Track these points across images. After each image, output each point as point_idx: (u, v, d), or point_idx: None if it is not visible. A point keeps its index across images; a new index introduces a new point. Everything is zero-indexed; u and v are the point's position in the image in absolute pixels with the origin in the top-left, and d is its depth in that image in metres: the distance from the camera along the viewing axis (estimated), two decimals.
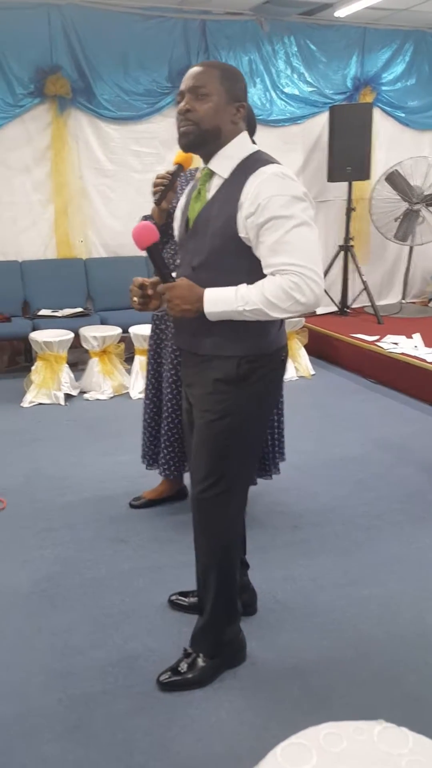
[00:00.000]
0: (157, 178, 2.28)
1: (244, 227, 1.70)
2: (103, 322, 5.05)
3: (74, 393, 4.66)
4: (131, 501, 3.10)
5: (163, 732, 1.86)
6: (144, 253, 1.80)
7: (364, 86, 6.16)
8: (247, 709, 1.94)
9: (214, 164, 1.79)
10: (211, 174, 1.81)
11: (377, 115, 6.15)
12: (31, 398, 4.51)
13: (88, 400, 4.63)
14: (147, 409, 2.98)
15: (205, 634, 2.05)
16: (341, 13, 5.52)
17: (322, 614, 2.34)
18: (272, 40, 5.72)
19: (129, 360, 4.91)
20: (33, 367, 4.63)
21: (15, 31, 4.87)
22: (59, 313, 5.12)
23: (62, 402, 4.52)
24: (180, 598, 2.38)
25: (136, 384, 4.60)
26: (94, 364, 4.70)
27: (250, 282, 1.71)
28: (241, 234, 1.72)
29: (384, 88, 6.23)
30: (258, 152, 1.79)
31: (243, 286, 1.70)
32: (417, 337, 5.31)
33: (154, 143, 5.43)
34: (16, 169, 5.16)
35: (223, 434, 1.85)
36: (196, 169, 1.97)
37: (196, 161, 1.93)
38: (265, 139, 5.78)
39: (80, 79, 5.15)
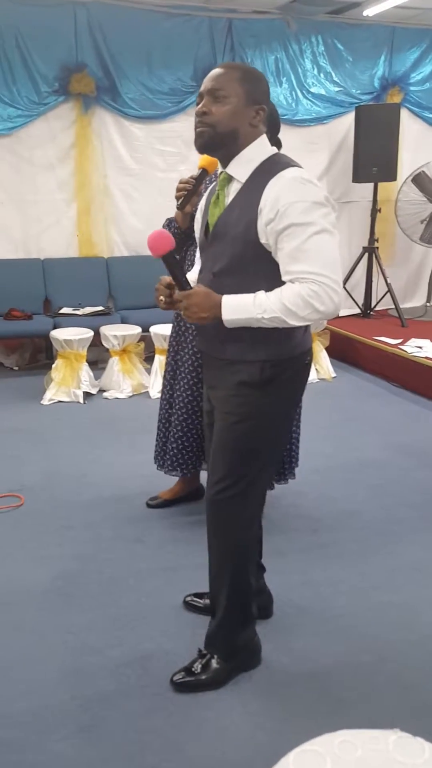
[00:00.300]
0: (181, 182, 2.27)
1: (264, 233, 1.69)
2: (123, 321, 5.06)
3: (93, 391, 4.68)
4: (148, 501, 3.10)
5: (175, 733, 1.85)
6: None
7: (392, 86, 6.10)
8: (261, 713, 1.92)
9: (232, 168, 1.77)
10: (229, 178, 1.79)
11: (405, 115, 6.08)
12: (50, 396, 4.53)
13: (107, 398, 4.64)
14: (162, 410, 2.97)
15: (218, 636, 2.03)
16: (370, 12, 5.47)
17: (339, 619, 2.32)
18: (299, 39, 5.69)
19: (149, 359, 4.91)
20: (53, 365, 4.65)
21: (40, 29, 4.89)
22: (80, 312, 5.15)
23: (81, 400, 4.53)
24: (195, 599, 2.37)
25: (156, 383, 4.60)
26: (114, 363, 4.71)
27: (271, 286, 1.69)
28: (262, 240, 1.70)
29: (412, 88, 6.17)
30: (277, 155, 1.77)
31: (261, 294, 1.68)
32: None
33: (178, 142, 5.43)
34: (40, 168, 5.19)
35: (243, 437, 1.84)
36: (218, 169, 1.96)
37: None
38: (290, 139, 5.75)
39: (105, 77, 5.16)
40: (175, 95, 5.34)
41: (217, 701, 1.96)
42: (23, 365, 5.39)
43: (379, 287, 6.09)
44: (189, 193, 2.04)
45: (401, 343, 5.17)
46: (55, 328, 4.81)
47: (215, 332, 1.80)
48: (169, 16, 5.23)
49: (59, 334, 4.56)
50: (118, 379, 4.68)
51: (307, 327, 1.87)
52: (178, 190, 2.26)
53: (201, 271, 1.91)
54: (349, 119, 5.96)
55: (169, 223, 2.68)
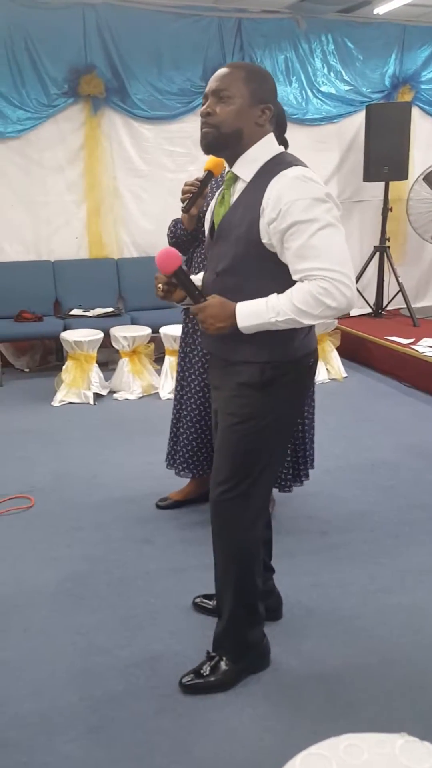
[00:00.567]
0: (186, 185, 2.26)
1: (267, 233, 1.68)
2: (133, 322, 5.07)
3: (104, 393, 4.68)
4: (158, 502, 3.10)
5: (184, 735, 1.85)
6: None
7: (403, 85, 6.07)
8: (270, 716, 1.91)
9: (237, 168, 1.77)
10: (235, 178, 1.79)
11: (416, 113, 6.05)
12: (61, 397, 4.54)
13: (117, 400, 4.65)
14: (174, 410, 2.97)
15: (225, 637, 2.03)
16: (380, 10, 5.44)
17: (348, 621, 2.30)
18: (309, 38, 5.67)
19: (159, 360, 4.91)
20: (63, 367, 4.67)
21: (49, 31, 4.91)
22: (90, 313, 5.16)
23: (92, 401, 4.54)
24: (204, 600, 2.36)
25: (166, 384, 4.60)
26: (124, 364, 4.71)
27: (276, 287, 1.69)
28: (264, 240, 1.69)
29: (423, 86, 6.13)
30: (282, 154, 1.76)
31: (273, 297, 1.68)
32: None
33: (188, 143, 5.42)
34: (49, 169, 5.21)
35: (245, 438, 1.83)
36: (225, 170, 1.95)
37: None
38: (301, 139, 5.75)
39: (114, 78, 5.17)
40: (185, 96, 5.34)
41: (226, 703, 1.95)
42: (34, 367, 5.41)
43: (390, 286, 6.06)
44: (194, 195, 2.03)
45: (413, 343, 5.14)
46: (65, 329, 4.83)
47: (220, 334, 1.79)
48: (178, 16, 5.23)
49: (69, 336, 4.57)
50: (128, 381, 4.69)
51: (311, 328, 1.86)
52: (184, 192, 2.26)
53: (205, 271, 1.91)
54: (359, 118, 5.93)
55: (175, 225, 2.68)
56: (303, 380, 1.87)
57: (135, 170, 5.43)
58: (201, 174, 2.12)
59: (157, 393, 4.68)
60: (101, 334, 4.64)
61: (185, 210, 2.14)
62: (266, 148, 1.76)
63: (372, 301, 6.16)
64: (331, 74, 5.85)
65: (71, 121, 5.18)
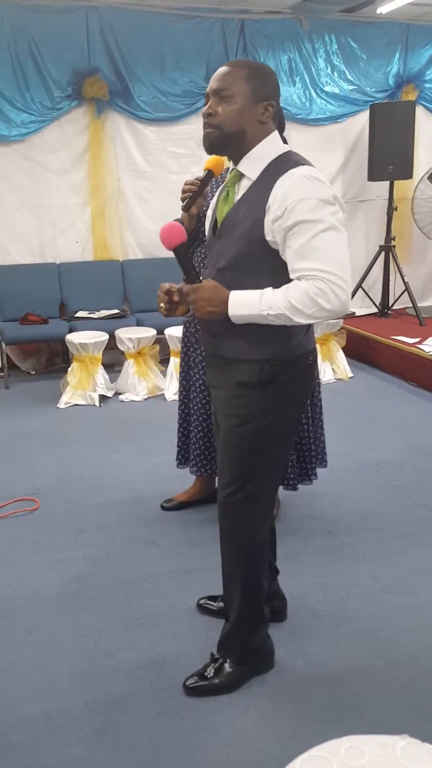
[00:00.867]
0: (186, 184, 2.26)
1: (271, 231, 1.68)
2: (138, 324, 5.08)
3: (109, 394, 4.69)
4: (162, 503, 3.10)
5: (188, 737, 1.84)
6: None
7: (407, 84, 6.05)
8: (274, 718, 1.91)
9: (242, 166, 1.77)
10: (240, 175, 1.78)
11: (420, 112, 6.02)
12: (66, 399, 4.55)
13: (122, 401, 4.65)
14: (179, 410, 2.98)
15: (231, 639, 2.02)
16: (383, 9, 5.43)
17: (353, 622, 2.30)
18: (312, 38, 5.67)
19: (164, 362, 4.91)
20: (69, 369, 4.68)
21: (53, 35, 4.92)
22: (95, 315, 5.16)
23: (97, 403, 4.55)
24: (209, 602, 2.36)
25: (171, 385, 4.61)
26: (130, 366, 4.72)
27: (273, 284, 1.68)
28: (268, 237, 1.69)
29: (427, 85, 6.12)
30: (288, 153, 1.76)
31: (268, 290, 1.67)
32: None
33: (191, 144, 5.43)
34: (53, 172, 5.22)
35: (246, 439, 1.83)
36: (227, 170, 1.95)
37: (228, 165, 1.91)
38: (305, 139, 5.76)
39: (118, 81, 5.18)
40: (188, 97, 5.34)
41: (230, 705, 1.95)
42: (40, 369, 5.43)
43: (396, 286, 6.04)
44: (194, 194, 2.03)
45: (419, 342, 5.12)
46: (70, 331, 4.84)
47: (216, 330, 1.80)
48: (180, 18, 5.24)
49: (75, 338, 4.58)
50: (133, 382, 4.69)
51: (309, 327, 1.85)
52: (184, 192, 2.26)
53: (206, 267, 1.90)
54: (363, 118, 5.92)
55: None
56: (302, 379, 1.86)
57: (139, 172, 5.44)
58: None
59: (163, 394, 4.68)
60: (106, 336, 4.65)
61: (185, 209, 2.14)
62: (272, 146, 1.76)
63: (378, 300, 6.14)
64: (335, 74, 5.84)
65: (75, 123, 5.20)
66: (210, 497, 3.09)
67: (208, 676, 2.00)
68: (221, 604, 2.27)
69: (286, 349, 1.78)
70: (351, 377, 5.08)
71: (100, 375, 4.64)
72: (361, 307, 6.16)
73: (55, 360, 5.50)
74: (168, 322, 4.79)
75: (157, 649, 2.19)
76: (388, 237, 5.96)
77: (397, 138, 5.64)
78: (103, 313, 5.21)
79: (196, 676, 2.01)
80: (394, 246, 5.96)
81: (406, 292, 5.90)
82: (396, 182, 5.90)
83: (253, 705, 1.95)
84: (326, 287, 1.61)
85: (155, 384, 4.75)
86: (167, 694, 1.99)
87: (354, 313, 6.04)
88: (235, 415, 1.83)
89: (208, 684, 1.99)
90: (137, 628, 2.29)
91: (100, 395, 4.59)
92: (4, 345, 5.00)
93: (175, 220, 2.69)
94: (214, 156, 1.87)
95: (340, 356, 5.11)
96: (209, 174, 1.94)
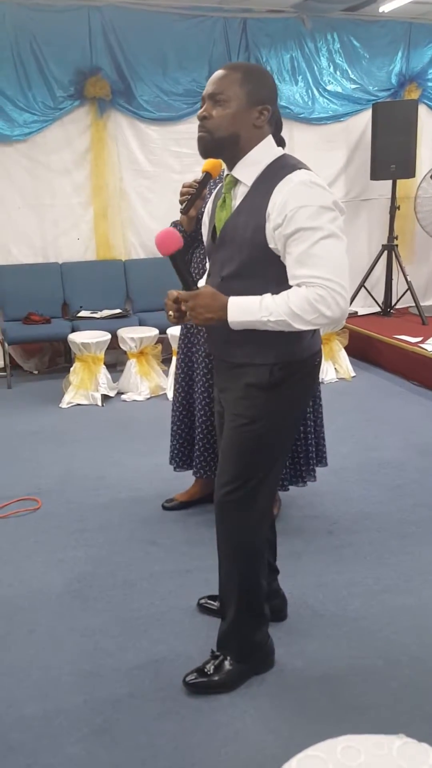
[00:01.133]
0: (184, 186, 2.26)
1: (273, 238, 1.67)
2: (141, 324, 5.08)
3: (111, 394, 4.70)
4: (163, 503, 3.10)
5: (188, 737, 1.84)
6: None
7: (410, 82, 6.04)
8: (274, 717, 1.90)
9: (237, 171, 1.76)
10: (235, 181, 1.78)
11: (423, 111, 6.01)
12: (69, 399, 4.56)
13: (125, 401, 4.66)
14: (176, 411, 2.97)
15: (230, 637, 2.02)
16: (386, 8, 5.42)
17: (354, 622, 2.29)
18: (315, 37, 5.66)
19: (166, 361, 4.92)
20: (71, 368, 4.68)
21: (55, 34, 4.93)
22: (98, 315, 5.17)
23: (99, 403, 4.55)
24: (209, 602, 2.36)
25: (173, 385, 4.60)
26: (132, 365, 4.72)
27: (279, 290, 1.68)
28: (271, 245, 1.69)
29: (430, 84, 6.11)
30: (283, 157, 1.75)
31: (267, 296, 1.67)
32: None
33: (193, 144, 5.33)
34: (56, 172, 5.23)
35: (252, 439, 1.83)
36: (223, 172, 1.95)
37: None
38: (307, 138, 5.76)
39: (120, 80, 5.18)
40: (190, 96, 5.34)
41: (230, 705, 1.95)
42: (42, 369, 5.44)
43: (399, 285, 6.03)
44: (192, 196, 2.03)
45: (422, 342, 5.11)
46: (73, 331, 4.85)
47: (224, 335, 1.79)
48: (182, 17, 5.24)
49: (77, 338, 4.58)
50: (135, 382, 4.70)
51: (315, 329, 1.85)
52: (182, 194, 2.26)
53: (209, 275, 1.90)
54: (366, 116, 5.91)
55: (174, 227, 2.68)
56: (309, 380, 1.87)
57: (141, 171, 5.44)
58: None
59: (165, 394, 4.68)
60: (108, 336, 4.65)
61: (184, 212, 2.14)
62: (266, 150, 1.75)
63: (380, 299, 6.13)
64: (338, 73, 5.83)
65: (77, 123, 5.20)
66: (210, 497, 3.07)
67: (208, 673, 2.00)
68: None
69: (296, 350, 1.79)
70: (353, 377, 5.08)
71: (103, 375, 4.64)
72: (364, 306, 6.15)
73: (57, 360, 5.51)
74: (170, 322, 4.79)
75: (156, 648, 2.19)
76: (391, 236, 5.95)
77: (399, 137, 5.63)
78: (106, 312, 5.22)
79: (195, 673, 2.01)
80: (396, 245, 5.95)
81: (408, 292, 5.89)
82: (399, 181, 5.89)
83: (252, 705, 1.95)
84: (326, 294, 1.62)
85: (157, 384, 4.75)
86: (167, 694, 1.99)
87: (356, 312, 6.03)
88: (243, 416, 1.83)
89: (207, 680, 1.99)
90: (137, 628, 2.29)
91: (102, 395, 4.59)
92: (6, 345, 5.01)
93: (173, 222, 2.70)
94: (210, 158, 1.86)
95: (343, 355, 5.11)
96: (207, 176, 1.93)
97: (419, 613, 2.33)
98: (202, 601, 2.38)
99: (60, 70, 5.02)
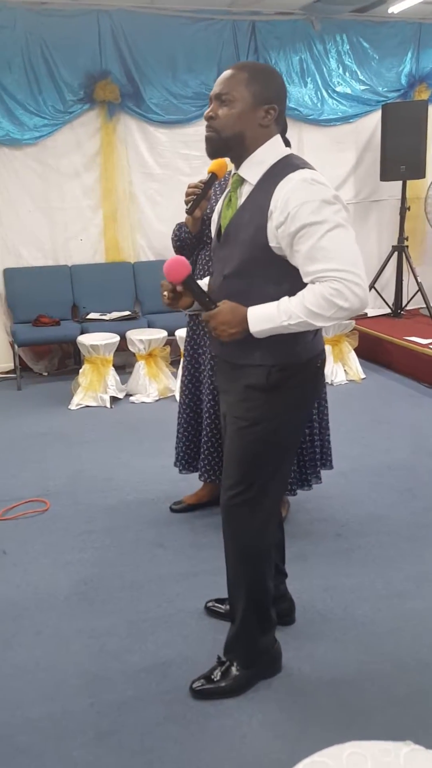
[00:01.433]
0: (190, 187, 2.26)
1: (275, 237, 1.66)
2: (150, 325, 5.08)
3: (120, 396, 4.70)
4: (171, 505, 3.10)
5: (194, 741, 1.83)
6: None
7: (419, 83, 6.01)
8: (281, 722, 1.89)
9: (243, 170, 1.76)
10: (241, 180, 1.77)
11: None
12: (78, 401, 4.56)
13: (133, 402, 4.66)
14: (183, 413, 2.97)
15: (237, 642, 2.01)
16: (395, 9, 5.40)
17: (362, 626, 2.27)
18: (324, 38, 5.65)
19: (175, 363, 4.91)
20: (80, 370, 4.69)
21: (65, 38, 4.95)
22: (107, 317, 5.18)
23: (108, 405, 4.56)
24: (216, 605, 2.35)
25: (180, 387, 4.60)
26: (141, 367, 4.72)
27: (282, 291, 1.68)
28: (272, 243, 1.68)
29: None
30: (289, 156, 1.74)
31: (284, 300, 1.66)
32: None
33: (202, 146, 5.33)
34: (66, 175, 5.24)
35: (254, 442, 1.82)
36: (230, 173, 1.94)
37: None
38: (317, 139, 5.75)
39: (129, 83, 5.19)
40: (199, 99, 5.34)
41: (237, 709, 1.94)
42: (52, 370, 5.45)
43: (409, 286, 6.00)
44: (198, 197, 2.03)
45: None
46: (82, 333, 4.86)
47: None
48: (192, 20, 5.24)
49: (86, 340, 4.59)
50: (144, 383, 4.70)
51: (317, 331, 1.84)
52: (187, 195, 2.26)
53: (212, 274, 1.90)
54: (375, 117, 5.89)
55: (180, 228, 2.68)
56: (311, 383, 1.85)
57: (150, 174, 5.45)
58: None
59: (174, 396, 4.68)
60: (117, 338, 4.66)
61: (189, 212, 2.14)
62: (272, 150, 1.75)
63: (391, 301, 6.10)
64: (347, 74, 5.81)
65: (87, 126, 5.21)
66: (218, 500, 3.08)
67: (215, 680, 1.99)
68: (228, 606, 2.26)
69: (295, 352, 1.77)
70: (363, 378, 5.05)
71: (111, 376, 4.65)
72: (374, 307, 6.12)
73: (66, 361, 5.53)
74: (179, 323, 4.79)
75: (163, 651, 2.18)
76: (401, 237, 5.92)
77: (409, 138, 5.61)
78: (115, 314, 5.22)
79: (202, 679, 2.00)
80: (407, 246, 5.92)
81: (419, 293, 5.86)
82: (408, 182, 5.86)
83: (259, 709, 1.94)
84: (341, 286, 1.60)
85: (166, 385, 4.75)
86: (173, 698, 1.99)
87: (366, 313, 6.00)
88: (244, 418, 1.82)
89: (214, 687, 1.98)
90: (144, 631, 2.28)
91: (111, 397, 4.60)
92: (16, 347, 5.03)
93: (178, 224, 2.69)
94: (217, 159, 1.86)
95: (353, 357, 5.08)
96: (212, 177, 1.93)
97: (429, 617, 2.31)
98: (210, 604, 2.37)
99: (70, 74, 5.04)
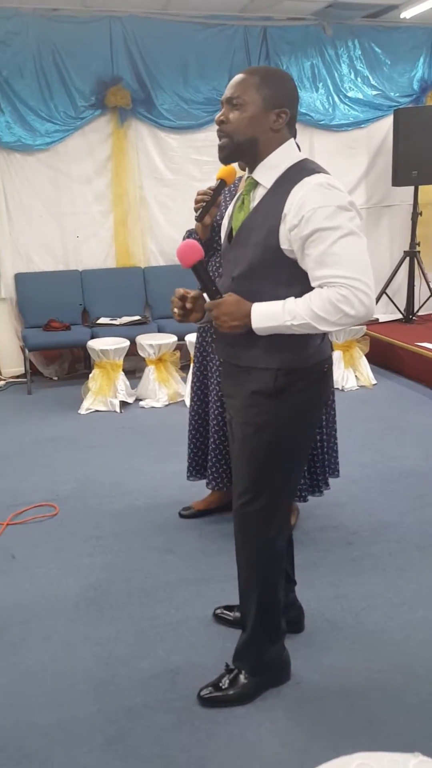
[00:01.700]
0: (199, 194, 2.26)
1: (287, 239, 1.66)
2: (160, 330, 5.09)
3: (130, 400, 4.70)
4: (180, 510, 3.09)
5: (201, 749, 1.82)
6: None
7: (431, 88, 5.99)
8: (289, 730, 1.87)
9: (257, 174, 1.76)
10: (255, 183, 1.77)
11: None
12: (87, 405, 4.57)
13: (143, 407, 4.66)
14: (192, 420, 2.96)
15: (247, 651, 2.00)
16: (407, 14, 5.38)
17: (372, 635, 2.25)
18: (335, 44, 5.65)
19: (185, 368, 4.91)
20: (90, 375, 4.70)
21: (76, 44, 4.98)
22: (117, 322, 5.19)
23: (118, 409, 4.56)
24: (225, 612, 2.34)
25: (190, 393, 4.60)
26: (150, 372, 4.72)
27: (288, 293, 1.67)
28: (283, 246, 1.67)
29: None
30: (304, 161, 1.74)
31: (290, 300, 1.66)
32: None
33: (213, 152, 5.32)
34: (77, 181, 5.27)
35: (261, 448, 1.80)
36: (239, 179, 1.94)
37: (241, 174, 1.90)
38: (328, 144, 5.74)
39: (141, 89, 5.21)
40: (210, 105, 5.35)
41: (245, 717, 1.92)
42: (62, 375, 5.47)
43: (421, 291, 5.97)
44: (207, 204, 2.02)
45: None
46: (92, 338, 4.86)
47: (233, 337, 1.78)
48: (203, 26, 5.25)
49: (96, 344, 4.60)
50: (154, 388, 4.70)
51: (324, 336, 1.83)
52: (197, 201, 2.25)
53: (222, 275, 1.89)
54: (387, 122, 5.87)
55: (189, 235, 2.68)
56: (317, 388, 1.83)
57: (161, 179, 5.46)
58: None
59: (183, 401, 4.67)
60: (127, 343, 4.66)
61: (198, 219, 2.14)
62: (287, 154, 1.74)
63: (402, 306, 6.08)
64: (359, 79, 5.81)
65: (98, 132, 5.24)
66: (228, 506, 3.06)
67: (223, 687, 1.98)
68: (237, 614, 2.25)
69: (301, 357, 1.76)
70: (374, 384, 5.02)
71: (121, 381, 4.65)
72: (386, 313, 6.09)
73: (77, 366, 5.54)
74: (189, 328, 4.78)
75: (172, 658, 2.17)
76: (413, 242, 5.90)
77: (421, 143, 5.58)
78: (125, 319, 5.23)
79: (210, 687, 1.99)
80: (419, 251, 5.90)
81: (431, 298, 5.83)
82: (421, 187, 5.84)
83: (267, 717, 1.92)
84: (349, 293, 1.59)
85: (176, 390, 4.74)
86: (181, 705, 1.97)
87: (378, 319, 5.98)
88: (250, 424, 1.81)
89: (222, 695, 1.97)
90: (153, 637, 2.27)
91: (120, 401, 4.60)
92: (27, 351, 5.05)
93: (188, 230, 2.69)
94: (226, 165, 1.86)
95: (364, 363, 5.06)
96: (221, 183, 1.93)
97: None
98: (218, 611, 2.35)
99: (81, 80, 5.07)
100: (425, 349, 5.08)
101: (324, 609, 2.38)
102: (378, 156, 6.03)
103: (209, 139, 5.43)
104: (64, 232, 5.34)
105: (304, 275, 1.68)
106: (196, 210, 2.21)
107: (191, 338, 4.64)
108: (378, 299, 5.94)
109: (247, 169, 1.81)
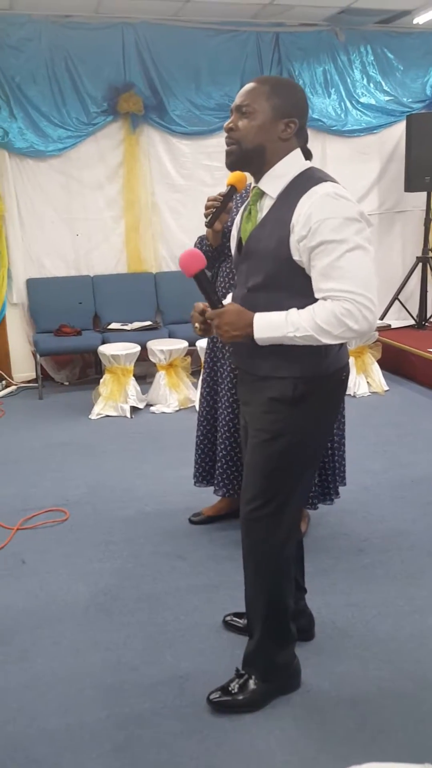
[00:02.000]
0: (209, 200, 2.26)
1: (297, 250, 1.66)
2: (170, 336, 5.09)
3: (140, 406, 4.70)
4: (191, 517, 3.08)
5: (210, 757, 1.81)
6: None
7: None
8: (298, 739, 1.86)
9: (263, 184, 1.76)
10: (261, 193, 1.77)
11: None
12: (98, 410, 4.58)
13: (154, 413, 4.66)
14: (200, 426, 2.95)
15: (255, 656, 1.99)
16: (420, 19, 5.38)
17: (383, 644, 2.23)
18: (348, 49, 5.64)
19: (195, 373, 4.90)
20: (101, 380, 4.70)
21: (89, 51, 5.00)
22: (128, 327, 5.19)
23: (128, 414, 4.56)
24: (234, 619, 2.33)
25: (199, 399, 4.59)
26: (161, 377, 4.72)
27: (306, 302, 1.66)
28: (295, 257, 1.67)
29: None
30: (310, 169, 1.74)
31: (293, 311, 1.66)
32: None
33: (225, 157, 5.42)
34: (89, 187, 5.28)
35: (275, 454, 1.79)
36: (250, 185, 1.94)
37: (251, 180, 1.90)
38: (340, 150, 5.74)
39: (153, 95, 5.22)
40: (222, 111, 5.35)
41: (254, 724, 1.91)
42: (73, 380, 5.48)
43: None
44: (217, 210, 2.03)
45: None
46: (103, 343, 4.87)
47: (248, 348, 1.77)
48: (215, 32, 5.27)
49: (107, 350, 4.61)
50: (164, 394, 4.70)
51: (343, 343, 1.82)
52: (207, 208, 2.25)
53: (235, 287, 1.89)
54: (400, 128, 5.86)
55: (201, 241, 2.68)
56: (335, 396, 1.83)
57: (173, 185, 5.47)
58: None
59: (194, 406, 4.66)
60: (138, 348, 4.67)
61: (209, 225, 2.14)
62: (293, 163, 1.74)
63: (415, 312, 6.05)
64: (371, 85, 5.80)
65: (110, 138, 5.26)
66: (238, 512, 3.05)
67: (233, 692, 1.97)
68: (247, 620, 2.23)
69: (321, 365, 1.76)
70: (386, 390, 5.00)
71: (132, 386, 4.65)
72: (398, 319, 6.07)
73: (88, 371, 5.55)
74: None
75: (181, 665, 2.16)
76: (426, 248, 5.88)
77: None
78: (136, 324, 5.24)
79: (219, 691, 1.98)
80: (431, 257, 5.87)
81: None
82: None
83: (277, 725, 1.90)
84: (353, 308, 1.60)
85: (186, 396, 4.74)
86: (190, 711, 1.96)
87: (390, 325, 5.95)
88: (267, 430, 1.80)
89: (231, 699, 1.96)
90: (162, 643, 2.26)
91: (131, 407, 4.60)
92: (38, 356, 5.07)
93: (199, 237, 2.69)
94: (236, 171, 1.86)
95: (376, 369, 5.03)
96: (232, 189, 1.93)
97: None
98: (228, 618, 2.34)
99: (94, 87, 5.09)
100: None
101: (335, 617, 2.37)
102: (390, 162, 6.01)
103: (221, 145, 5.36)
104: (75, 238, 5.36)
105: None
106: (206, 216, 2.21)
107: (202, 344, 4.63)
108: (390, 305, 5.92)
109: (253, 179, 1.81)
